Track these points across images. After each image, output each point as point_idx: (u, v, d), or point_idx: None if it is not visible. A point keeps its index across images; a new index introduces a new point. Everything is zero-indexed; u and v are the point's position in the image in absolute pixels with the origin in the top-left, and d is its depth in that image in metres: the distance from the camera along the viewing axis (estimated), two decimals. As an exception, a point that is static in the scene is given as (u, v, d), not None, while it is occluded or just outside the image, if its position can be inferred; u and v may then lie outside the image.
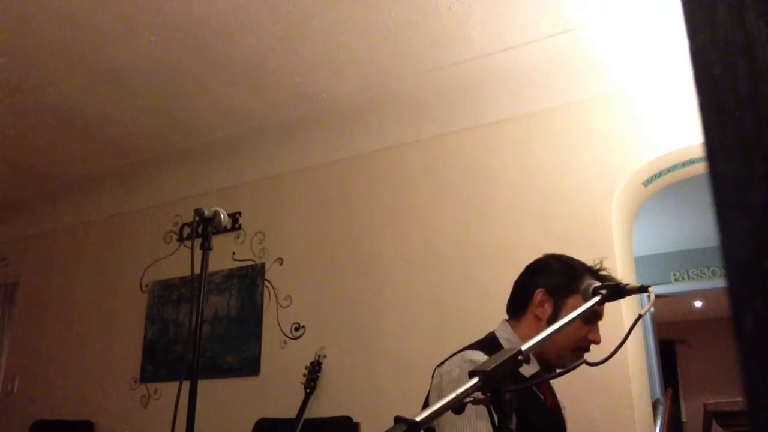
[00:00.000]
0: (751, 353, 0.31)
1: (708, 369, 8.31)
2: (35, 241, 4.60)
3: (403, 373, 2.97)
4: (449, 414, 0.87)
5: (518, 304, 1.68)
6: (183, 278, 3.82)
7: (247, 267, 3.63)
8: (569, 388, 1.93)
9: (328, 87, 3.18)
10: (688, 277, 5.61)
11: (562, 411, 1.71)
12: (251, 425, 3.18)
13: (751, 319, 0.31)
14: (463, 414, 0.91)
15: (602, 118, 2.91)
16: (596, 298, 1.33)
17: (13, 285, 4.65)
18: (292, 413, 2.98)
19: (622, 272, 2.69)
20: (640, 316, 1.29)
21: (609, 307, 1.55)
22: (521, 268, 1.75)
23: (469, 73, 3.01)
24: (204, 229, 2.04)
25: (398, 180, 3.33)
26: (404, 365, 2.99)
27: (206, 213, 2.01)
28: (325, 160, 3.57)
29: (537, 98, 3.03)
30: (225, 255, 3.68)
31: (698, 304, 8.28)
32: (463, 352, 1.56)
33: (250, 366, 3.43)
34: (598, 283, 1.39)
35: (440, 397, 1.47)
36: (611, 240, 2.73)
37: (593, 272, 1.64)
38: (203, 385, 1.96)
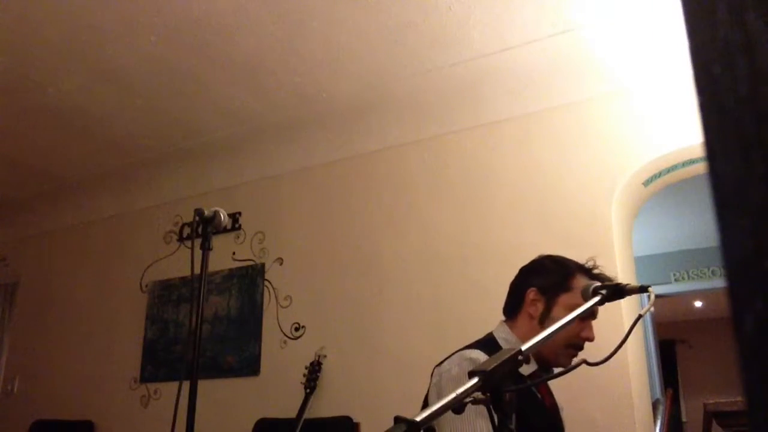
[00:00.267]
0: (751, 353, 0.31)
1: (708, 369, 8.31)
2: (35, 241, 4.60)
3: (403, 373, 2.97)
4: (449, 413, 0.87)
5: (513, 304, 1.70)
6: (183, 278, 3.81)
7: (247, 267, 3.63)
8: (569, 388, 1.93)
9: (328, 87, 3.18)
10: (688, 277, 5.61)
11: (561, 412, 1.72)
12: (251, 425, 3.18)
13: (751, 319, 0.31)
14: (463, 413, 0.91)
15: (602, 118, 2.91)
16: (596, 298, 1.33)
17: (13, 285, 4.65)
18: (292, 413, 2.98)
19: (622, 272, 2.69)
20: (640, 316, 1.29)
21: (609, 307, 1.55)
22: (521, 268, 1.76)
23: (469, 73, 3.01)
24: (204, 229, 2.04)
25: (398, 180, 3.33)
26: (404, 365, 2.99)
27: (206, 213, 2.01)
28: (325, 160, 3.57)
29: (537, 98, 3.03)
30: (225, 255, 3.68)
31: (698, 304, 8.28)
32: (462, 351, 1.56)
33: (250, 366, 3.43)
34: (598, 283, 1.40)
35: (439, 396, 1.48)
36: (611, 240, 2.73)
37: (586, 271, 1.65)
38: (203, 385, 1.96)
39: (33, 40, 2.84)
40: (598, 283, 1.40)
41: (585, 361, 1.10)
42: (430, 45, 2.84)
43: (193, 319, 1.92)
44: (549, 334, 1.12)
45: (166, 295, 3.86)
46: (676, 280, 5.65)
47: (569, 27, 2.70)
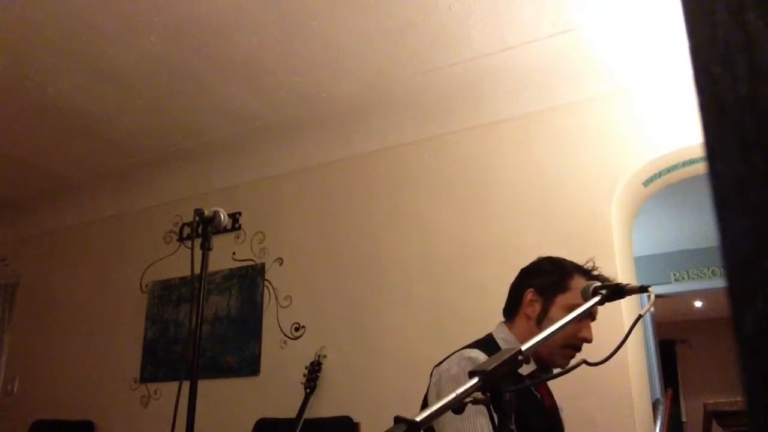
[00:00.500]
0: (751, 353, 0.31)
1: (708, 369, 8.31)
2: (35, 241, 4.60)
3: (403, 373, 2.97)
4: (449, 413, 0.87)
5: (512, 305, 1.71)
6: (183, 278, 3.81)
7: (247, 267, 3.63)
8: (569, 388, 1.93)
9: (328, 87, 3.18)
10: (688, 277, 5.61)
11: (561, 413, 1.72)
12: (251, 425, 3.18)
13: (751, 319, 0.31)
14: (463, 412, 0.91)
15: (602, 118, 2.91)
16: (596, 298, 1.33)
17: (13, 285, 4.65)
18: (292, 413, 2.98)
19: (622, 272, 2.69)
20: (640, 316, 1.29)
21: (609, 307, 1.55)
22: (521, 268, 1.76)
23: (469, 73, 3.01)
24: (204, 229, 2.04)
25: (398, 180, 3.33)
26: (404, 365, 2.99)
27: (206, 213, 2.01)
28: (325, 160, 3.57)
29: (537, 98, 3.03)
30: (225, 255, 3.68)
31: (698, 304, 8.28)
32: (462, 351, 1.57)
33: (250, 366, 3.43)
34: (598, 283, 1.40)
35: (438, 395, 1.48)
36: (611, 240, 2.73)
37: (585, 272, 1.65)
38: (203, 385, 1.96)
39: (33, 40, 2.84)
40: (598, 283, 1.40)
41: (585, 361, 1.10)
42: (430, 45, 2.84)
43: (193, 319, 1.92)
44: (549, 334, 1.12)
45: (166, 295, 3.86)
46: (676, 280, 5.65)
47: (569, 27, 2.70)
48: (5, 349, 4.51)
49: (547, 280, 1.66)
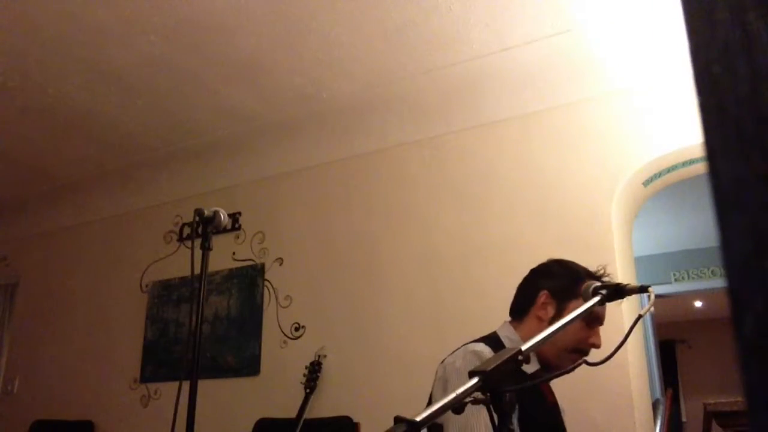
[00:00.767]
0: (751, 353, 0.31)
1: (708, 369, 8.31)
2: (35, 241, 4.60)
3: (403, 373, 2.97)
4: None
5: (521, 305, 1.70)
6: (183, 278, 3.81)
7: (247, 267, 3.63)
8: (569, 388, 1.93)
9: (328, 87, 3.18)
10: (688, 277, 5.61)
11: (562, 414, 1.72)
12: (251, 425, 3.18)
13: (751, 319, 0.31)
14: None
15: (602, 117, 2.91)
16: (596, 299, 1.33)
17: (13, 285, 4.65)
18: (292, 413, 2.98)
19: (622, 272, 2.69)
20: (640, 316, 1.29)
21: (609, 308, 1.56)
22: (521, 268, 1.76)
23: (469, 73, 3.01)
24: (204, 229, 2.04)
25: (398, 180, 3.33)
26: (404, 365, 2.99)
27: (206, 213, 2.01)
28: (325, 160, 3.56)
29: (537, 98, 3.03)
30: (225, 255, 3.68)
31: (698, 304, 8.28)
32: (467, 345, 1.57)
33: (250, 366, 3.43)
34: (598, 283, 1.40)
35: (445, 389, 1.49)
36: (611, 240, 2.73)
37: (596, 277, 1.65)
38: (203, 385, 1.96)
39: (33, 40, 2.84)
40: (598, 283, 1.40)
41: (585, 361, 1.10)
42: (430, 45, 2.84)
43: (193, 319, 1.92)
44: (549, 334, 1.12)
45: (166, 295, 3.86)
46: (676, 280, 5.65)
47: (569, 27, 2.71)
48: (5, 349, 4.51)
49: (561, 284, 1.65)
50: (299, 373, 3.16)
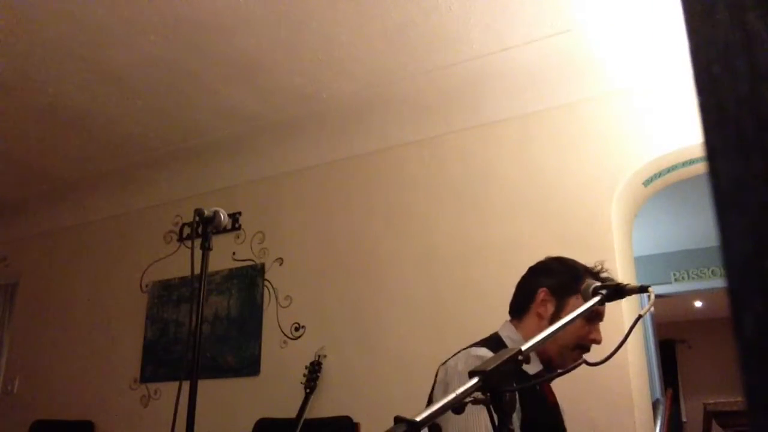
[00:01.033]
0: (751, 353, 0.31)
1: (708, 369, 8.32)
2: (35, 241, 4.60)
3: (403, 373, 2.97)
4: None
5: (521, 303, 1.70)
6: (183, 278, 3.81)
7: (247, 267, 3.63)
8: (569, 388, 1.93)
9: (328, 87, 3.18)
10: (688, 277, 5.61)
11: (562, 414, 1.72)
12: (251, 425, 3.18)
13: (751, 320, 0.31)
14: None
15: (602, 118, 2.91)
16: (596, 298, 1.33)
17: (13, 285, 4.65)
18: (292, 413, 2.98)
19: (622, 272, 2.69)
20: (640, 316, 1.29)
21: (609, 307, 1.56)
22: (521, 268, 1.76)
23: (469, 73, 3.01)
24: (204, 229, 2.04)
25: (398, 180, 3.33)
26: (404, 365, 2.99)
27: (206, 213, 2.01)
28: (325, 160, 3.56)
29: (537, 98, 3.03)
30: (225, 255, 3.68)
31: (698, 304, 8.28)
32: (469, 349, 1.57)
33: (250, 366, 3.43)
34: (598, 283, 1.40)
35: (446, 391, 1.48)
36: (611, 240, 2.73)
37: (594, 274, 1.66)
38: (203, 385, 1.96)
39: (33, 40, 2.84)
40: (598, 283, 1.40)
41: (585, 361, 1.10)
42: (430, 45, 2.84)
43: (193, 319, 1.92)
44: (550, 334, 1.13)
45: (166, 295, 3.86)
46: (676, 280, 5.65)
47: (569, 27, 2.71)
48: (5, 349, 4.51)
49: (560, 281, 1.66)
50: (299, 373, 3.16)
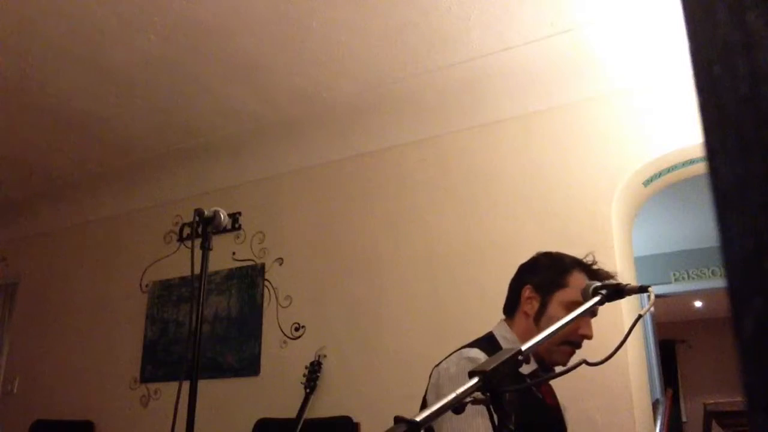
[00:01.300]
0: (751, 353, 0.31)
1: (708, 369, 8.32)
2: (35, 241, 4.60)
3: (403, 373, 2.97)
4: (448, 413, 0.87)
5: (511, 302, 1.70)
6: (183, 278, 3.81)
7: (247, 267, 3.63)
8: (569, 388, 1.93)
9: (328, 87, 3.18)
10: (688, 277, 5.61)
11: (563, 412, 1.71)
12: (251, 425, 3.18)
13: (750, 320, 0.31)
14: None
15: (602, 118, 2.91)
16: (596, 298, 1.33)
17: (13, 285, 4.65)
18: (292, 413, 2.98)
19: (622, 272, 2.68)
20: (640, 316, 1.29)
21: (609, 307, 1.55)
22: (520, 268, 1.76)
23: (469, 73, 3.01)
24: (204, 229, 2.04)
25: (398, 180, 3.33)
26: (404, 365, 2.99)
27: (206, 213, 2.01)
28: (325, 160, 3.57)
29: (537, 98, 3.03)
30: (225, 255, 3.68)
31: (698, 304, 8.28)
32: (461, 350, 1.56)
33: (250, 366, 3.43)
34: (598, 283, 1.40)
35: (438, 395, 1.48)
36: (611, 240, 2.73)
37: (584, 267, 1.64)
38: (203, 385, 1.96)
39: (33, 40, 2.84)
40: (598, 283, 1.40)
41: (585, 361, 1.10)
42: (430, 45, 2.84)
43: (193, 319, 1.92)
44: (550, 333, 1.12)
45: (166, 295, 3.86)
46: (676, 280, 5.65)
47: (569, 27, 2.70)
48: (5, 349, 4.51)
49: (545, 277, 1.64)
50: (299, 373, 3.16)
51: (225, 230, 3.63)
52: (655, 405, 3.18)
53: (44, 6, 2.62)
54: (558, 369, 1.61)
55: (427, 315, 3.04)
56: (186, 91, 3.23)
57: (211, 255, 2.03)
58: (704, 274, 5.55)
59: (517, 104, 3.08)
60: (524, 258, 1.77)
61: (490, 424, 0.96)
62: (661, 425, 3.18)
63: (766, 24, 0.31)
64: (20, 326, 4.46)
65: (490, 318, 1.74)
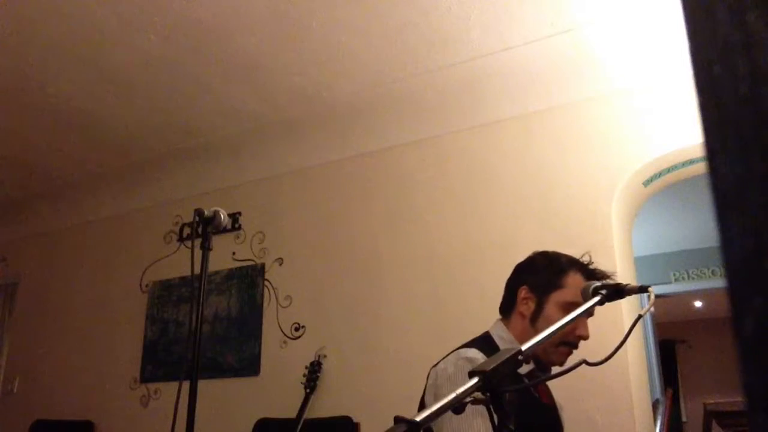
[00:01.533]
0: (751, 353, 0.31)
1: (708, 369, 8.32)
2: (35, 241, 4.60)
3: (403, 373, 2.97)
4: (447, 413, 0.87)
5: (507, 302, 1.70)
6: (183, 278, 3.81)
7: (247, 267, 3.63)
8: (569, 388, 1.93)
9: (328, 87, 3.18)
10: (688, 277, 5.61)
11: (559, 411, 1.71)
12: (251, 425, 3.18)
13: (750, 320, 0.31)
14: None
15: (602, 118, 2.91)
16: (596, 299, 1.33)
17: (13, 285, 4.65)
18: (292, 413, 2.98)
19: (622, 272, 2.69)
20: (640, 316, 1.29)
21: (609, 307, 1.55)
22: (521, 269, 1.76)
23: (469, 73, 3.01)
24: (204, 229, 2.04)
25: (398, 180, 3.33)
26: (404, 365, 2.99)
27: (206, 213, 2.01)
28: (325, 160, 3.57)
29: (537, 98, 3.03)
30: (225, 255, 3.68)
31: (698, 304, 8.28)
32: (458, 350, 1.56)
33: (250, 366, 3.43)
34: (598, 283, 1.40)
35: (436, 396, 1.48)
36: (611, 240, 2.73)
37: (581, 267, 1.63)
38: (203, 385, 1.96)
39: (33, 40, 2.84)
40: (598, 283, 1.40)
41: (585, 361, 1.10)
42: (430, 45, 2.84)
43: (193, 319, 1.92)
44: (550, 334, 1.12)
45: (166, 295, 3.86)
46: (676, 280, 5.65)
47: (569, 27, 2.70)
48: (5, 349, 4.51)
49: (541, 277, 1.64)
50: (299, 373, 3.16)
51: (225, 230, 3.63)
52: (655, 405, 3.18)
53: (44, 6, 2.62)
54: (557, 369, 1.61)
55: (427, 315, 3.04)
56: (186, 91, 3.23)
57: (211, 255, 2.03)
58: (704, 274, 5.55)
59: (517, 104, 3.08)
60: (524, 257, 1.76)
61: (489, 424, 0.96)
62: (661, 425, 3.17)
63: (766, 24, 0.31)
64: (20, 326, 4.46)
65: (490, 318, 1.74)
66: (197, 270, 1.94)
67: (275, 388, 3.29)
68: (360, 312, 3.22)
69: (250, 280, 3.60)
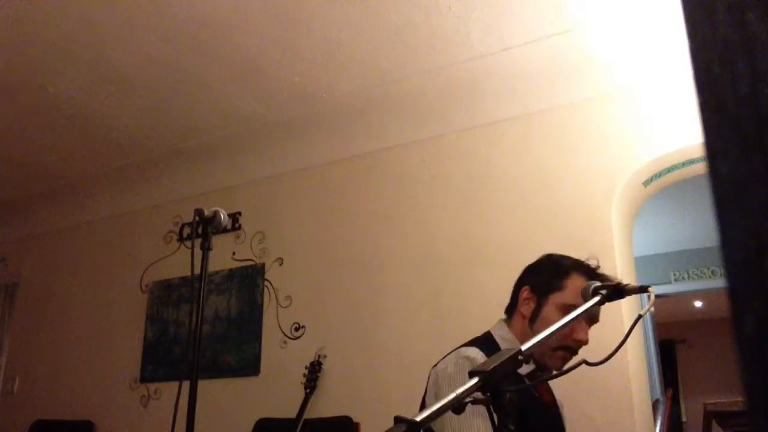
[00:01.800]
0: (751, 353, 0.31)
1: (708, 369, 8.32)
2: (35, 241, 4.60)
3: (403, 373, 2.97)
4: (447, 413, 0.87)
5: (511, 302, 1.71)
6: (183, 278, 3.81)
7: (247, 267, 3.63)
8: (569, 388, 1.93)
9: (328, 87, 3.18)
10: (688, 277, 5.61)
11: (560, 409, 1.71)
12: (251, 425, 3.18)
13: (751, 320, 0.31)
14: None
15: (602, 118, 2.91)
16: (596, 299, 1.33)
17: (13, 285, 4.65)
18: (292, 413, 2.98)
19: (622, 272, 2.69)
20: (640, 316, 1.29)
21: (609, 307, 1.55)
22: (521, 268, 1.76)
23: (469, 73, 3.01)
24: (204, 229, 2.04)
25: (398, 180, 3.33)
26: (404, 365, 2.99)
27: (206, 213, 2.01)
28: (325, 160, 3.57)
29: (537, 98, 3.03)
30: (225, 255, 3.68)
31: (698, 304, 8.28)
32: (459, 350, 1.56)
33: (250, 366, 3.43)
34: (598, 283, 1.40)
35: (436, 395, 1.48)
36: (611, 240, 2.73)
37: (585, 270, 1.63)
38: (203, 385, 1.96)
39: (33, 40, 2.84)
40: (598, 283, 1.40)
41: (585, 361, 1.10)
42: (430, 45, 2.84)
43: (193, 319, 1.92)
44: (549, 334, 1.12)
45: (166, 295, 3.86)
46: (676, 280, 5.65)
47: (569, 27, 2.70)
48: (5, 348, 4.51)
49: (542, 278, 1.64)
50: (299, 373, 3.16)
51: (225, 230, 3.63)
52: (655, 405, 3.18)
53: (44, 6, 2.62)
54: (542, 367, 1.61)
55: (427, 315, 3.04)
56: (186, 91, 3.23)
57: (211, 255, 2.03)
58: (704, 274, 5.55)
59: (517, 104, 3.08)
60: (524, 257, 1.77)
61: (490, 425, 0.96)
62: (661, 425, 3.18)
63: (766, 24, 0.31)
64: (20, 326, 4.46)
65: (490, 318, 1.74)
66: (197, 270, 1.94)
67: (275, 388, 3.29)
68: (360, 312, 3.22)
69: (250, 280, 3.60)
